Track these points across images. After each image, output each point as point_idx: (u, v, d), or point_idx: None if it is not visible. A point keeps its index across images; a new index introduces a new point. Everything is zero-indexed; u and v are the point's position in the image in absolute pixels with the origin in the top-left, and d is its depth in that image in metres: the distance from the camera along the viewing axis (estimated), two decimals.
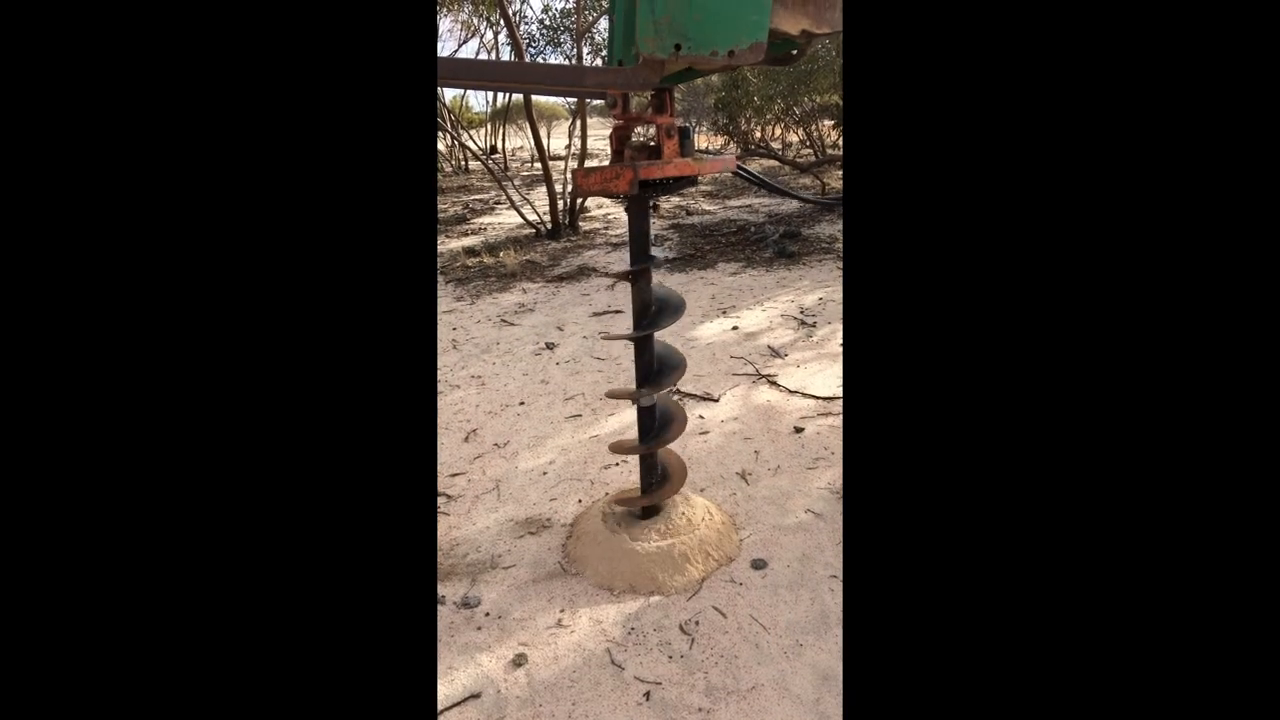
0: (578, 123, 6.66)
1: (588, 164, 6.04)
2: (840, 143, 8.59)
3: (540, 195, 6.83)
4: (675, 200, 7.44)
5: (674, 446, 2.02)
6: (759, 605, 1.55)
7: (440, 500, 2.08)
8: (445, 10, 9.69)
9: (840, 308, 3.59)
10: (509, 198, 6.39)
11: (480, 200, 8.57)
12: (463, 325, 3.89)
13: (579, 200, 6.34)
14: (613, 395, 1.75)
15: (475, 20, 10.67)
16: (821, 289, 4.04)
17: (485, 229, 6.68)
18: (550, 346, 3.43)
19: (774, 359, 3.04)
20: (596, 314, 3.92)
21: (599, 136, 11.73)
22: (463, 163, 12.54)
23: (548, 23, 8.50)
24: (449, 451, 2.40)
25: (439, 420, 2.64)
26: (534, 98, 6.53)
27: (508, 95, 10.04)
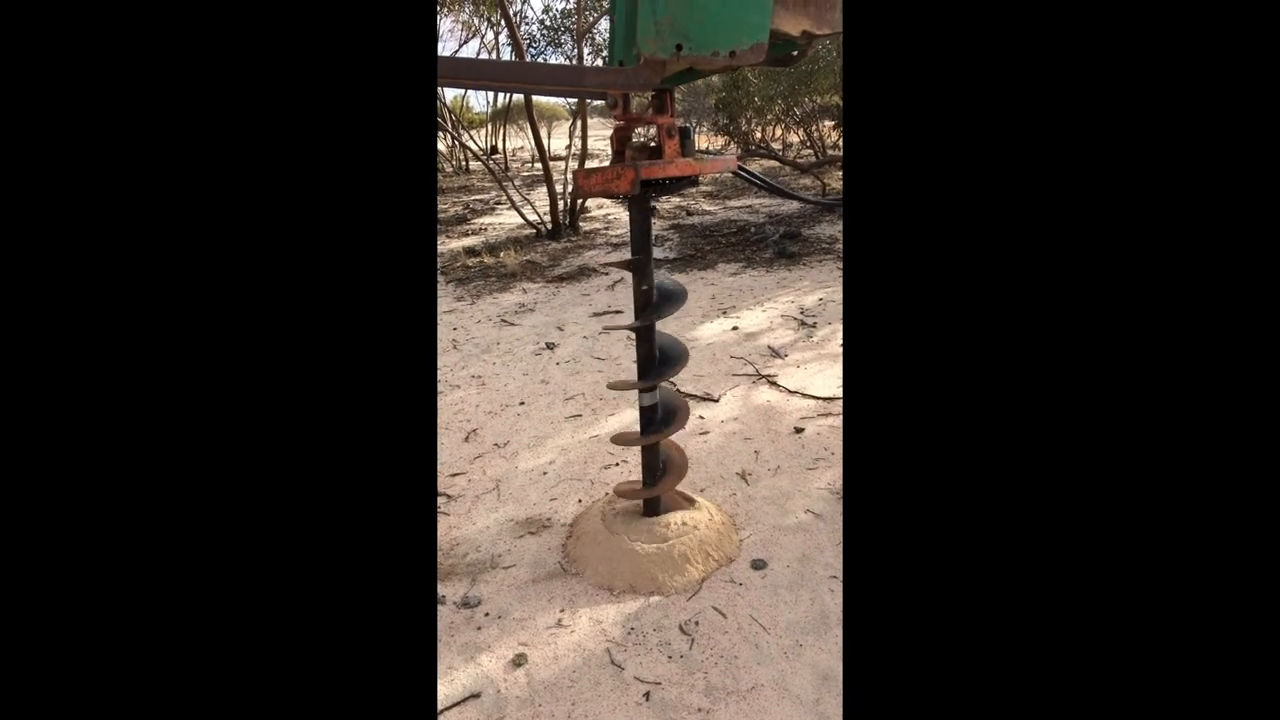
0: (578, 123, 6.66)
1: (588, 164, 6.04)
2: (840, 143, 8.59)
3: (540, 195, 6.83)
4: (676, 200, 7.45)
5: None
6: (759, 605, 1.55)
7: (440, 500, 2.08)
8: (446, 10, 9.69)
9: (840, 308, 3.59)
10: (509, 198, 6.39)
11: (481, 200, 8.57)
12: (463, 325, 3.89)
13: (579, 200, 6.34)
14: (614, 387, 1.75)
15: (476, 20, 10.68)
16: (822, 289, 4.04)
17: (486, 229, 6.68)
18: (550, 346, 3.43)
19: (774, 359, 3.04)
20: (597, 314, 3.92)
21: (599, 137, 11.73)
22: (463, 163, 12.54)
23: (548, 23, 8.51)
24: (449, 451, 2.40)
25: (439, 420, 2.64)
26: (534, 98, 6.53)
27: (508, 95, 10.05)
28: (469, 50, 11.83)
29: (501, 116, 13.42)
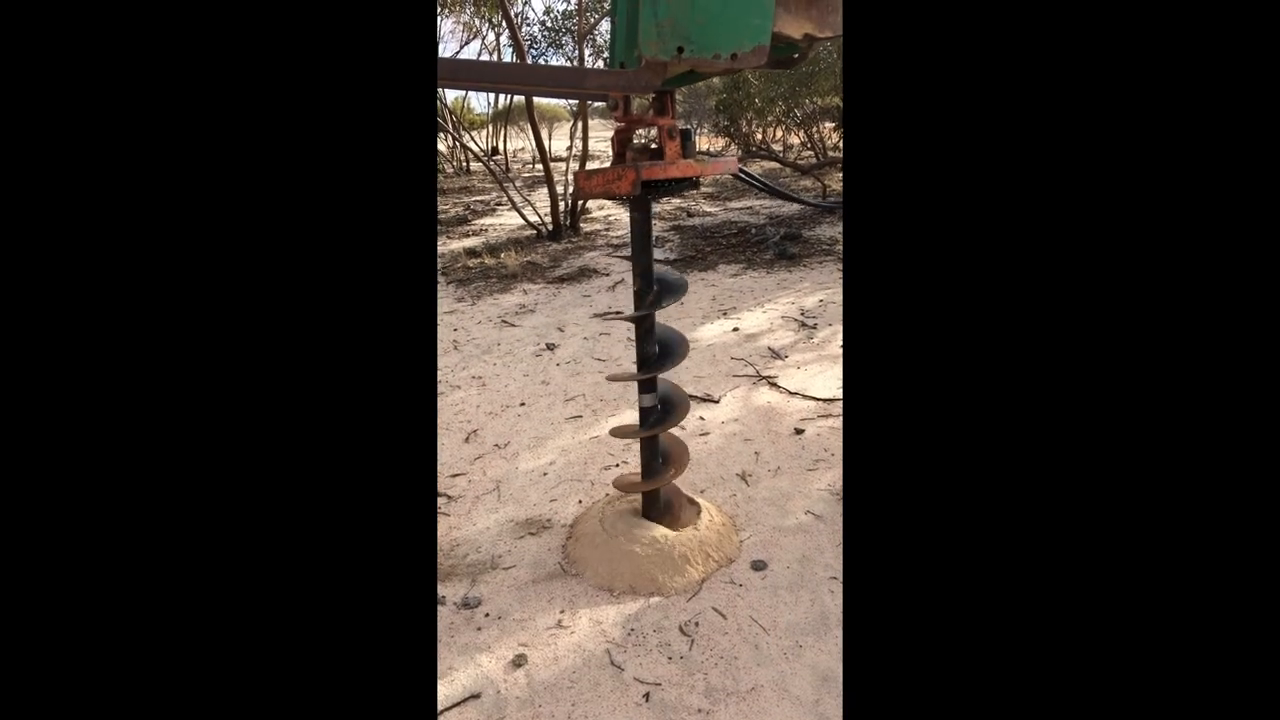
0: (579, 124, 6.67)
1: (589, 166, 6.04)
2: (841, 145, 8.59)
3: (541, 196, 6.84)
4: (676, 202, 7.45)
5: None
6: (759, 606, 1.55)
7: (441, 501, 2.08)
8: (447, 11, 9.70)
9: (841, 309, 3.59)
10: (510, 199, 6.39)
11: (481, 201, 8.57)
12: (464, 326, 3.89)
13: (580, 202, 6.35)
14: (613, 379, 1.75)
15: (477, 22, 10.69)
16: (822, 291, 4.04)
17: (486, 230, 6.69)
18: (551, 347, 3.43)
19: (774, 360, 3.04)
20: (597, 315, 3.92)
21: (600, 138, 11.74)
22: (464, 164, 12.55)
23: (549, 24, 8.51)
24: (450, 452, 2.40)
25: (440, 421, 2.64)
26: (536, 99, 6.54)
27: (509, 96, 10.05)
28: (470, 51, 11.85)
29: (502, 118, 13.43)
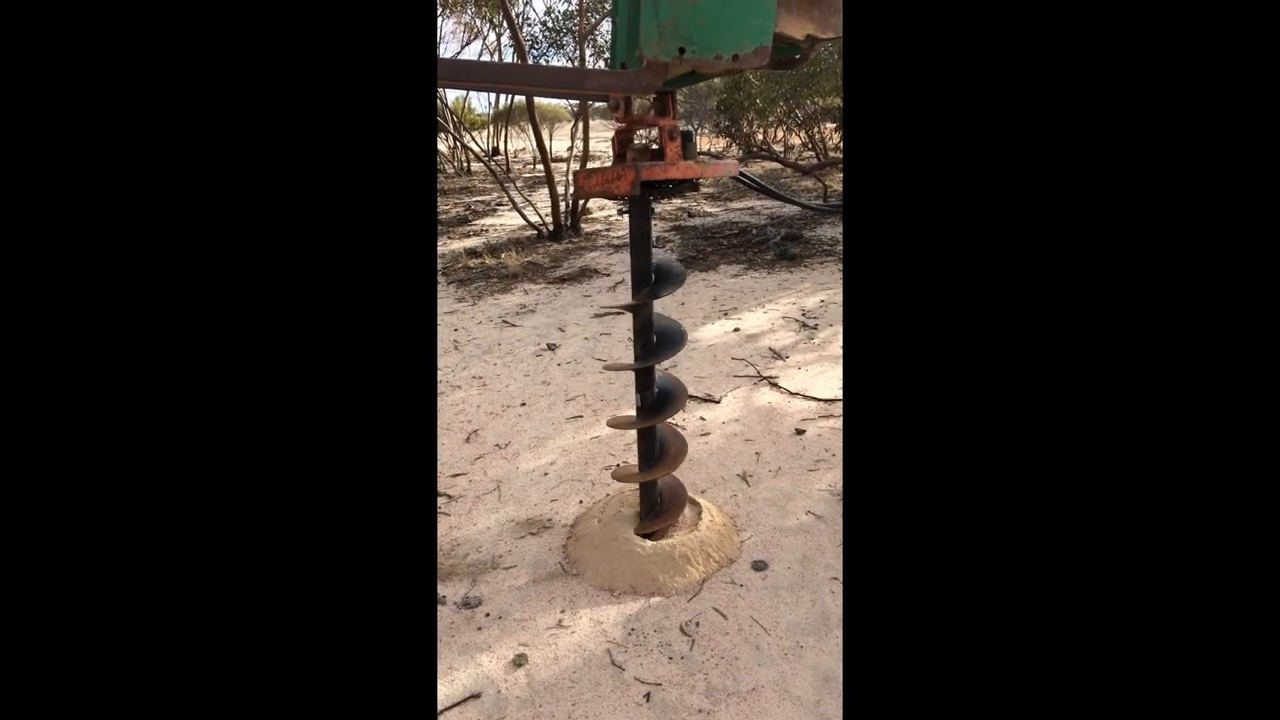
0: (580, 125, 6.67)
1: (590, 166, 6.03)
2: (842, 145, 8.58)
3: (542, 197, 6.84)
4: (677, 202, 7.45)
5: None
6: (759, 607, 1.55)
7: (441, 501, 2.09)
8: (448, 12, 9.71)
9: (842, 310, 3.58)
10: (511, 199, 6.39)
11: (482, 201, 8.58)
12: (464, 326, 3.89)
13: (581, 202, 6.35)
14: (609, 368, 1.74)
15: (478, 22, 10.70)
16: (823, 291, 4.04)
17: (487, 230, 6.69)
18: (551, 348, 3.43)
19: (775, 361, 3.04)
20: (598, 315, 3.92)
21: (601, 139, 11.74)
22: (465, 164, 12.55)
23: (550, 25, 8.51)
24: (450, 452, 2.40)
25: (440, 421, 2.64)
26: (536, 100, 6.54)
27: (510, 97, 10.06)
28: (471, 52, 11.86)
29: (503, 118, 13.44)
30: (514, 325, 3.85)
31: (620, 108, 1.45)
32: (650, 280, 1.61)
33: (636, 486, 1.84)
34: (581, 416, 2.62)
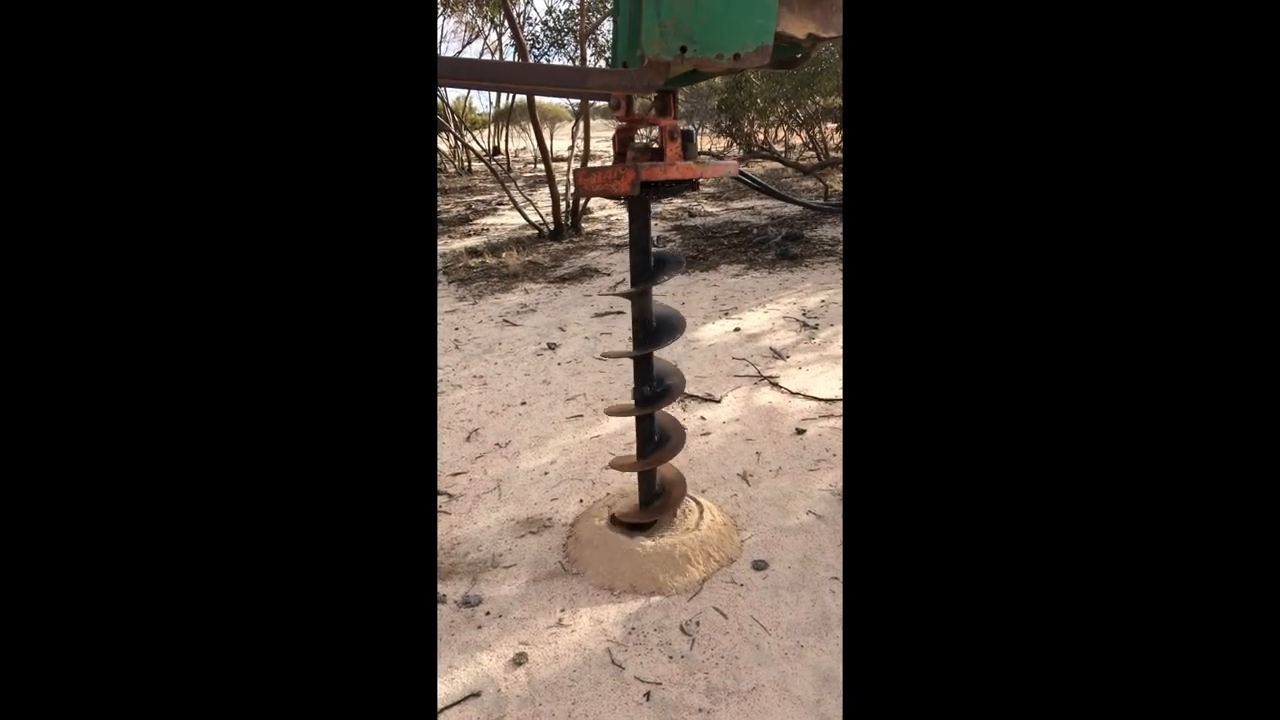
0: (581, 124, 6.67)
1: (590, 165, 6.04)
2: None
3: (542, 196, 6.84)
4: (678, 202, 7.45)
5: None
6: (760, 606, 1.55)
7: (442, 499, 2.09)
8: (449, 11, 9.71)
9: (842, 310, 3.58)
10: (511, 198, 6.39)
11: (483, 201, 8.58)
12: (465, 325, 3.89)
13: (581, 201, 6.35)
14: (607, 355, 1.74)
15: (479, 21, 10.70)
16: (824, 291, 4.04)
17: (488, 229, 6.69)
18: (552, 347, 3.44)
19: (776, 361, 3.04)
20: (599, 315, 3.92)
21: (602, 138, 11.74)
22: (466, 163, 12.55)
23: (552, 24, 8.51)
24: (451, 451, 2.40)
25: (441, 420, 2.65)
26: (537, 99, 6.54)
27: (511, 96, 10.06)
28: (472, 51, 11.86)
29: (504, 117, 13.44)
30: (514, 324, 3.85)
31: (621, 107, 1.45)
32: (649, 276, 1.60)
33: (637, 487, 1.84)
34: (582, 416, 2.62)
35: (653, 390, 1.68)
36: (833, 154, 8.75)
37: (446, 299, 4.45)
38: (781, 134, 10.64)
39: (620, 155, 1.54)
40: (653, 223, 1.66)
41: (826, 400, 2.60)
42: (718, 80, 7.05)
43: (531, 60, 7.32)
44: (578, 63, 7.72)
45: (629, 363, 3.10)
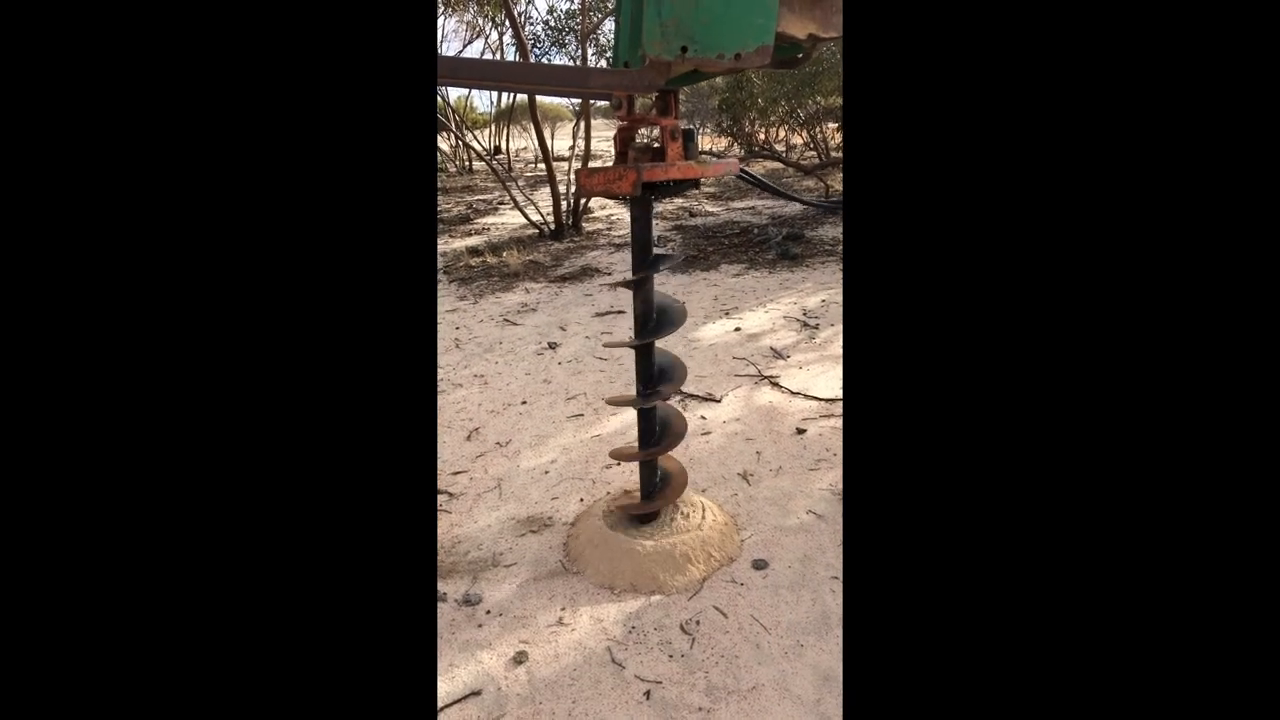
0: (581, 124, 6.67)
1: (591, 165, 6.05)
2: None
3: (543, 196, 6.84)
4: (679, 201, 7.45)
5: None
6: (760, 605, 1.56)
7: (442, 498, 2.09)
8: (450, 10, 9.70)
9: (842, 310, 3.58)
10: (512, 198, 6.40)
11: (484, 200, 8.58)
12: (466, 324, 3.89)
13: (582, 201, 6.35)
14: (610, 345, 1.74)
15: (480, 21, 10.69)
16: (824, 291, 4.04)
17: (489, 229, 6.69)
18: (553, 346, 3.44)
19: (776, 360, 3.04)
20: (599, 314, 3.92)
21: (603, 138, 11.74)
22: (467, 163, 12.55)
23: (553, 23, 8.50)
24: (451, 450, 2.41)
25: (442, 419, 2.65)
26: (538, 99, 6.54)
27: (512, 96, 10.06)
28: (473, 50, 11.86)
29: (505, 117, 13.44)
30: (515, 324, 3.85)
31: (623, 106, 1.45)
32: (650, 264, 1.60)
33: (637, 487, 1.84)
34: (582, 415, 2.63)
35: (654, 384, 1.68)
36: (833, 154, 8.74)
37: (447, 298, 4.45)
38: (782, 134, 10.64)
39: (622, 155, 1.54)
40: (654, 222, 1.66)
41: (827, 400, 2.60)
42: (719, 80, 7.05)
43: (533, 60, 7.32)
44: (579, 62, 7.71)
45: (629, 363, 3.11)
